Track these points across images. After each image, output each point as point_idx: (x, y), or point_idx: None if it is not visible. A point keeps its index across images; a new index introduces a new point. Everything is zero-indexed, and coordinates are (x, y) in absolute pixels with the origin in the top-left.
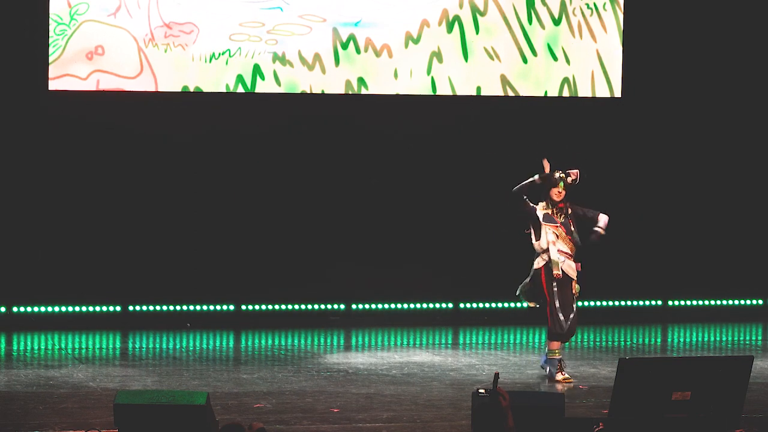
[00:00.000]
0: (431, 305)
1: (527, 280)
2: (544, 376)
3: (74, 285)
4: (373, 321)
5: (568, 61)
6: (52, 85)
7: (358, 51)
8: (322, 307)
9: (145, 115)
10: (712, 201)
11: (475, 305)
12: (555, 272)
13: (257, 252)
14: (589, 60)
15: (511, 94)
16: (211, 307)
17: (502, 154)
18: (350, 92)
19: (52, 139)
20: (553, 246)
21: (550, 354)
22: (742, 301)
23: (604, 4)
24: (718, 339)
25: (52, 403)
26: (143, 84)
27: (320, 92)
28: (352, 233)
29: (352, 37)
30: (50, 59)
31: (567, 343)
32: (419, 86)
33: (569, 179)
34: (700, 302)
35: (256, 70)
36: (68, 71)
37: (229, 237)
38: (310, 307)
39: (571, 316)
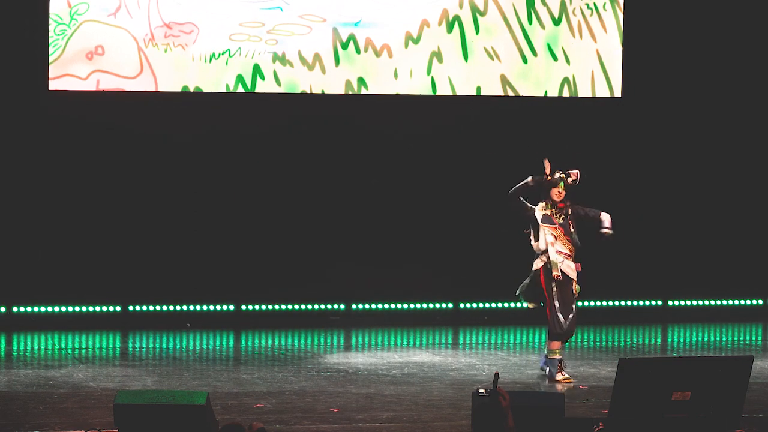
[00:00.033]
0: (431, 305)
1: (527, 280)
2: (544, 376)
3: (74, 285)
4: (373, 321)
5: (568, 61)
6: (52, 85)
7: (358, 51)
8: (322, 307)
9: (145, 115)
10: (712, 201)
11: (475, 305)
12: (554, 273)
13: (257, 252)
14: (589, 60)
15: (511, 94)
16: (211, 307)
17: (502, 154)
18: (350, 92)
19: (52, 139)
20: (552, 247)
21: (551, 354)
22: (742, 301)
23: (604, 4)
24: (718, 339)
25: (52, 403)
26: (143, 84)
27: (320, 92)
28: (352, 233)
29: (352, 37)
30: (50, 59)
31: (567, 343)
32: (419, 86)
33: (570, 179)
34: (700, 302)
35: (256, 70)
36: (68, 71)
37: (229, 237)
38: (310, 307)
39: (570, 316)
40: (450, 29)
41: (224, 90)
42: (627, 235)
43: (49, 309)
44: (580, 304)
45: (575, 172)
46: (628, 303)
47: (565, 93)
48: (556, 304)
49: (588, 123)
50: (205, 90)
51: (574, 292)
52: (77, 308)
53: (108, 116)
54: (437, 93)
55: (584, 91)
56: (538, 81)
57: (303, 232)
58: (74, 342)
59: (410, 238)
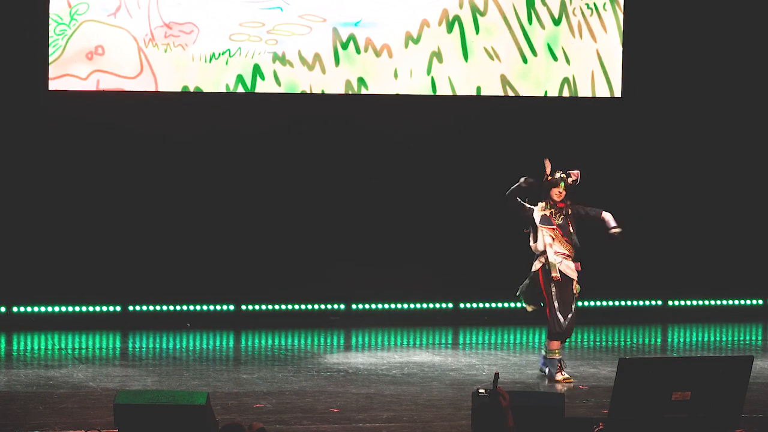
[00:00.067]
0: (431, 305)
1: (526, 281)
2: (543, 376)
3: (74, 285)
4: (373, 321)
5: (568, 61)
6: (52, 85)
7: (358, 51)
8: (322, 307)
9: (145, 115)
10: (712, 201)
11: (475, 305)
12: (553, 275)
13: (257, 252)
14: (589, 60)
15: (511, 94)
16: (211, 307)
17: (502, 154)
18: (350, 92)
19: (52, 139)
20: (550, 248)
21: (550, 354)
22: (742, 301)
23: (604, 4)
24: (718, 339)
25: (52, 403)
26: (143, 84)
27: (320, 92)
28: (352, 233)
29: (352, 37)
30: (50, 59)
31: (567, 343)
32: (419, 86)
33: (570, 179)
34: (700, 302)
35: (256, 70)
36: (68, 71)
37: (229, 237)
38: (310, 307)
39: (570, 315)
40: (450, 29)
41: (224, 90)
42: (627, 235)
43: (49, 309)
44: (580, 304)
45: (575, 172)
46: (628, 303)
47: (565, 93)
48: (556, 304)
49: (588, 123)
50: (205, 90)
51: (574, 291)
52: (77, 308)
53: (108, 116)
54: (437, 93)
55: (584, 91)
56: (538, 81)
57: (303, 232)
58: (74, 342)
59: (410, 238)
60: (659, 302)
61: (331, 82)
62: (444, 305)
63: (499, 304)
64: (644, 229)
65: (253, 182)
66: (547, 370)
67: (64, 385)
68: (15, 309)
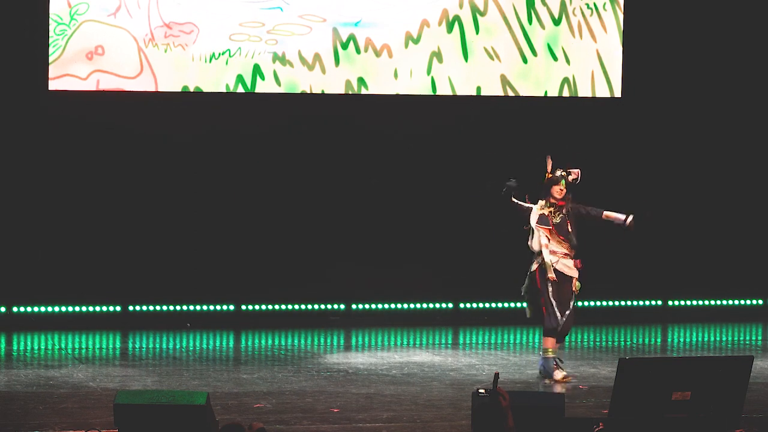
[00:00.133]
0: (431, 305)
1: (527, 282)
2: (543, 375)
3: (74, 285)
4: (373, 321)
5: (568, 61)
6: (52, 85)
7: (358, 51)
8: (322, 307)
9: (145, 115)
10: (712, 201)
11: (475, 305)
12: (549, 275)
13: (257, 252)
14: (589, 60)
15: (511, 94)
16: (211, 307)
17: (502, 154)
18: (350, 92)
19: (52, 139)
20: (546, 249)
21: (544, 353)
22: (742, 301)
23: (604, 4)
24: (718, 339)
25: (52, 403)
26: (143, 84)
27: (320, 92)
28: (352, 233)
29: (352, 37)
30: (50, 59)
31: (567, 343)
32: (419, 86)
33: (570, 178)
34: (700, 302)
35: (256, 70)
36: (68, 71)
37: (229, 237)
38: (310, 307)
39: (567, 313)
40: (450, 29)
41: (224, 90)
42: (627, 235)
43: (49, 309)
44: (580, 304)
45: (576, 170)
46: (628, 303)
47: (565, 93)
48: (552, 301)
49: (588, 123)
50: (205, 90)
51: (574, 289)
52: (77, 308)
53: (108, 116)
54: (437, 93)
55: (584, 91)
56: (538, 81)
57: (303, 232)
58: (74, 342)
59: (410, 238)
60: (659, 302)
61: (331, 82)
62: (444, 305)
63: (499, 304)
64: (644, 229)
65: (253, 182)
66: (544, 369)
67: (64, 385)
68: (15, 309)
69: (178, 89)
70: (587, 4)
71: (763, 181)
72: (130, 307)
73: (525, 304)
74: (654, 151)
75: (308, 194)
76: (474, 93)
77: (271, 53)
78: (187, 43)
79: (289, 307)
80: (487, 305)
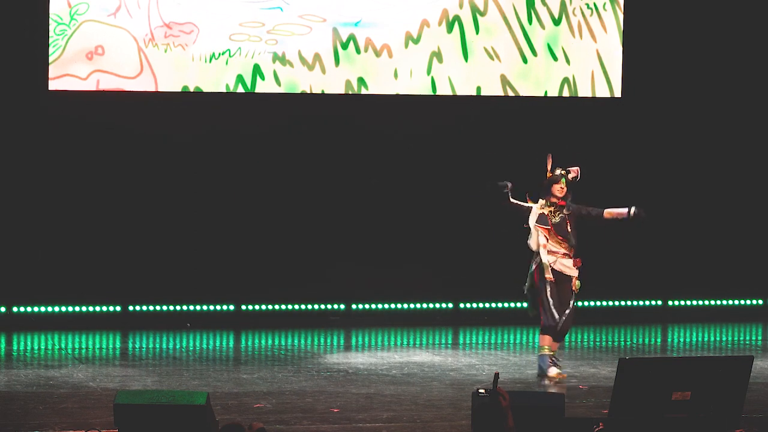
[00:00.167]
0: (431, 305)
1: (527, 281)
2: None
3: (74, 285)
4: (373, 321)
5: (568, 61)
6: (52, 85)
7: (358, 51)
8: (322, 307)
9: (145, 115)
10: (712, 201)
11: (475, 305)
12: (546, 276)
13: (257, 252)
14: (589, 60)
15: (511, 94)
16: (211, 307)
17: (502, 154)
18: (350, 92)
19: (52, 139)
20: (544, 249)
21: (541, 350)
22: (742, 301)
23: (604, 4)
24: (718, 339)
25: (52, 403)
26: (143, 84)
27: (320, 92)
28: (352, 233)
29: (352, 37)
30: (50, 59)
31: (567, 343)
32: (419, 86)
33: (570, 176)
34: (700, 302)
35: (256, 70)
36: (68, 71)
37: (229, 237)
38: (310, 307)
39: (567, 312)
40: (450, 29)
41: (224, 90)
42: (627, 235)
43: (49, 309)
44: (580, 304)
45: (575, 168)
46: (628, 303)
47: (565, 93)
48: (549, 299)
49: (588, 123)
50: (205, 90)
51: (574, 288)
52: (77, 308)
53: (108, 116)
54: (437, 93)
55: (584, 91)
56: (538, 81)
57: (303, 232)
58: (74, 342)
59: (410, 238)
60: (659, 302)
61: (331, 82)
62: (444, 305)
63: (499, 304)
64: (644, 228)
65: (253, 182)
66: (540, 366)
67: (64, 385)
68: (15, 309)
69: (178, 89)
70: (587, 4)
71: (763, 181)
72: (130, 307)
73: (527, 304)
74: (654, 151)
75: (308, 194)
76: (474, 93)
77: (271, 53)
78: (187, 43)
79: (289, 307)
80: (487, 305)
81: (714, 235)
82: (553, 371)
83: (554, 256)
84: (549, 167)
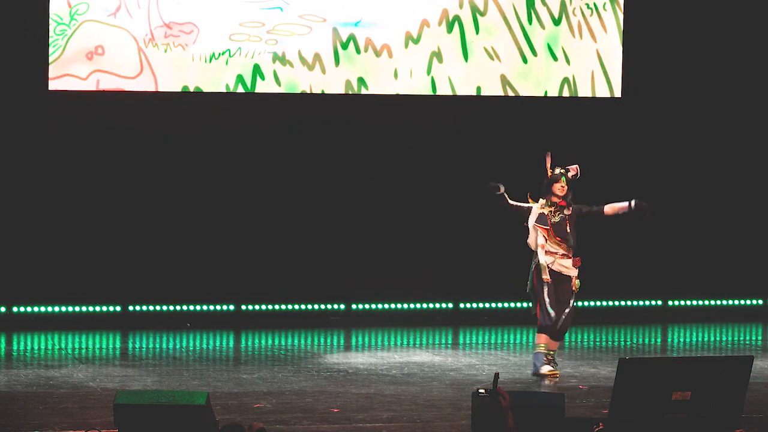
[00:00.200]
0: (431, 305)
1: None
2: (542, 375)
3: (74, 285)
4: (373, 321)
5: (568, 61)
6: (52, 85)
7: (358, 51)
8: (322, 307)
9: (145, 115)
10: (712, 201)
11: (475, 305)
12: (543, 277)
13: (257, 252)
14: (589, 60)
15: (511, 94)
16: (211, 307)
17: (502, 154)
18: (350, 92)
19: (52, 139)
20: (542, 249)
21: (537, 348)
22: (742, 301)
23: (604, 4)
24: (718, 339)
25: (52, 403)
26: (143, 84)
27: (320, 92)
28: (352, 233)
29: (352, 37)
30: (50, 59)
31: (567, 343)
32: (419, 86)
33: (570, 174)
34: (700, 302)
35: (256, 70)
36: (68, 71)
37: (229, 237)
38: (310, 307)
39: (567, 310)
40: (450, 29)
41: (224, 90)
42: (627, 235)
43: (49, 309)
44: (580, 303)
45: (574, 166)
46: (628, 303)
47: (565, 93)
48: (546, 299)
49: (588, 123)
50: (205, 90)
51: (574, 288)
52: (77, 308)
53: (108, 116)
54: (437, 93)
55: (584, 91)
56: (538, 81)
57: (303, 232)
58: (74, 342)
59: (410, 238)
60: (659, 302)
61: (331, 82)
62: (444, 305)
63: (499, 304)
64: (644, 229)
65: (253, 182)
66: (534, 363)
67: (64, 385)
68: (15, 309)
69: (178, 89)
70: (587, 4)
71: (763, 181)
72: (130, 307)
73: (530, 304)
74: (654, 151)
75: (308, 194)
76: (474, 93)
77: (271, 53)
78: (187, 43)
79: (289, 307)
80: (487, 305)
81: (714, 235)
82: (545, 369)
83: (552, 257)
84: (548, 165)
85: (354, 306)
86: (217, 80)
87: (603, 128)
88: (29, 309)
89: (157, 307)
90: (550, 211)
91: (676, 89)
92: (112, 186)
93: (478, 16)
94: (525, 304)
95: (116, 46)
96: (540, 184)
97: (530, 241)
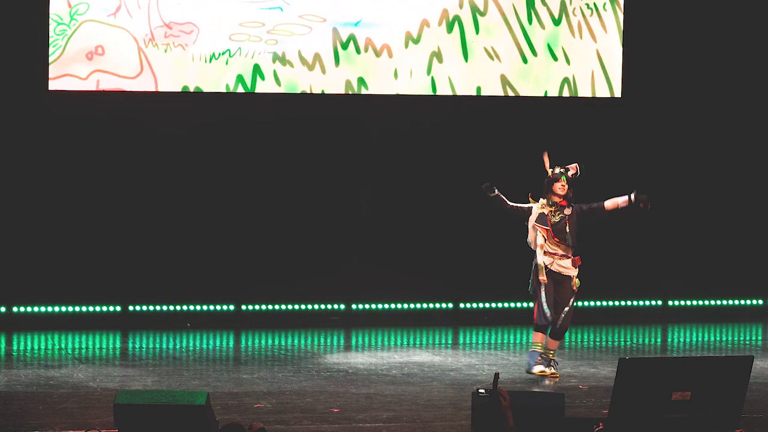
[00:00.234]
0: (431, 305)
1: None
2: (542, 376)
3: (74, 285)
4: (373, 321)
5: (568, 61)
6: (52, 85)
7: (358, 51)
8: (322, 307)
9: (145, 115)
10: (712, 200)
11: (475, 305)
12: (540, 278)
13: (257, 252)
14: (589, 60)
15: (511, 94)
16: (211, 307)
17: (502, 154)
18: (350, 92)
19: (52, 139)
20: (540, 250)
21: (532, 346)
22: (742, 301)
23: (604, 4)
24: (718, 339)
25: (52, 403)
26: (143, 84)
27: (320, 92)
28: (353, 233)
29: (352, 37)
30: (50, 59)
31: (567, 343)
32: (419, 86)
33: (570, 173)
34: (700, 302)
35: (256, 70)
36: (68, 71)
37: (229, 237)
38: (310, 307)
39: (566, 310)
40: (450, 29)
41: (224, 90)
42: (627, 235)
43: (49, 309)
44: (580, 303)
45: (574, 165)
46: (628, 303)
47: (565, 93)
48: (543, 299)
49: (588, 123)
50: (205, 90)
51: (574, 287)
52: (77, 308)
53: (108, 116)
54: (437, 93)
55: (584, 91)
56: (538, 81)
57: (303, 232)
58: (74, 342)
59: (410, 239)
60: (659, 302)
61: (331, 82)
62: (444, 305)
63: (499, 304)
64: (644, 228)
65: (253, 182)
66: (527, 362)
67: (64, 385)
68: (15, 309)
69: (178, 89)
70: (587, 4)
71: (763, 181)
72: (130, 307)
73: (532, 304)
74: (654, 151)
75: (308, 194)
76: (474, 93)
77: (271, 53)
78: (187, 43)
79: (289, 307)
80: (487, 305)
81: (714, 234)
82: (537, 368)
83: (551, 258)
84: (547, 164)
85: (354, 306)
86: (217, 80)
87: (603, 128)
88: (29, 309)
89: (157, 307)
90: (551, 211)
91: (676, 89)
92: (112, 186)
93: (478, 16)
94: (525, 304)
95: (116, 46)
96: (540, 184)
97: (530, 240)
